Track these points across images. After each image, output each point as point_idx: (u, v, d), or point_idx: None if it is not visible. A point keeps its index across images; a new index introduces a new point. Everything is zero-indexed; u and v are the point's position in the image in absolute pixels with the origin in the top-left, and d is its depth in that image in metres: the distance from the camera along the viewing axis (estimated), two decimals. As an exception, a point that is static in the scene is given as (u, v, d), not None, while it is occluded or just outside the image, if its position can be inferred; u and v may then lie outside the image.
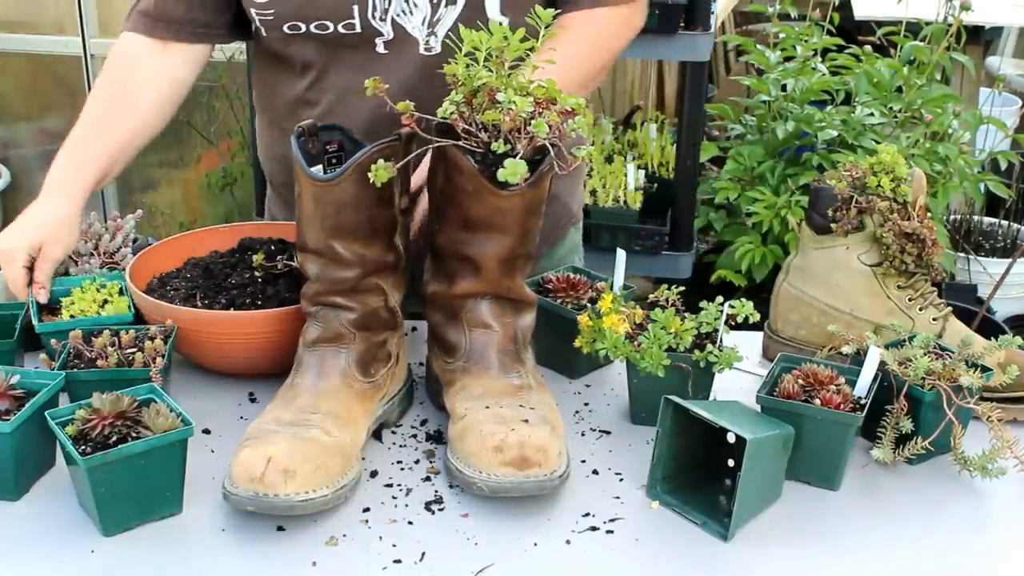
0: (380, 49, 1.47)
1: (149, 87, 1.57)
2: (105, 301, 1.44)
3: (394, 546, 1.14)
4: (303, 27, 1.47)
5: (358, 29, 1.46)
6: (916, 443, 1.24)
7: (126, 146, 1.57)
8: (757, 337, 1.56)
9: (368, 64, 1.46)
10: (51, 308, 1.44)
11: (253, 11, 1.49)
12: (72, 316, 1.40)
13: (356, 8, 1.44)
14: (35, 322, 1.39)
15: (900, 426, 1.25)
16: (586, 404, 1.42)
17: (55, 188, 1.50)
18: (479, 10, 1.44)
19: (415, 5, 1.44)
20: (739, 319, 1.32)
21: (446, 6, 1.44)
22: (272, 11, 1.47)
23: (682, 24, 2.81)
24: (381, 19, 1.45)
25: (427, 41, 1.46)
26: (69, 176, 1.51)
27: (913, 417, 1.25)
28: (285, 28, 1.48)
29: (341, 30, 1.46)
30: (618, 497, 1.22)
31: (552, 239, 1.71)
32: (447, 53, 1.38)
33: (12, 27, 3.58)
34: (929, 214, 1.44)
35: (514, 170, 1.17)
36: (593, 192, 3.14)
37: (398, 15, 1.45)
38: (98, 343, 1.30)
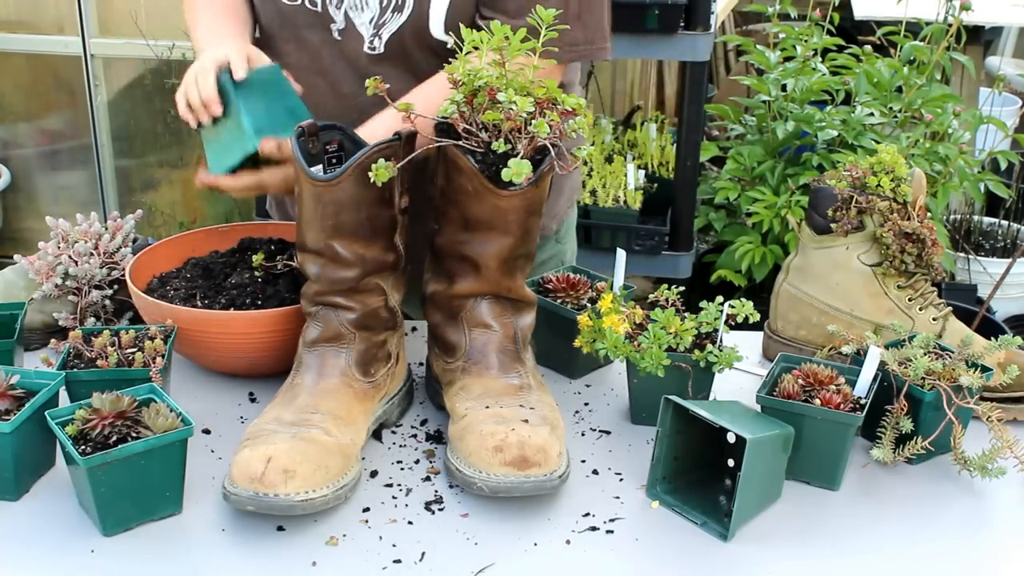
0: (335, 36, 1.49)
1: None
2: None
3: (394, 546, 1.14)
4: None
5: (318, 8, 1.48)
6: (916, 443, 1.24)
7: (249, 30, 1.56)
8: (757, 337, 1.56)
9: (324, 47, 1.50)
10: None
11: None
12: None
13: None
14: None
15: (900, 426, 1.25)
16: (586, 404, 1.42)
17: (215, 39, 1.46)
18: (423, 24, 1.45)
19: (366, 3, 1.45)
20: (739, 319, 1.32)
21: (392, 12, 1.45)
22: None
23: (682, 24, 2.82)
24: (336, 7, 1.47)
25: (371, 41, 1.48)
26: (224, 30, 1.50)
27: (913, 417, 1.25)
28: None
29: (307, 4, 1.48)
30: (618, 497, 1.22)
31: None
32: (389, 57, 1.46)
33: (12, 27, 3.58)
34: (929, 214, 1.44)
35: (519, 170, 1.17)
36: (593, 192, 3.14)
37: (351, 8, 1.46)
38: (98, 343, 1.30)
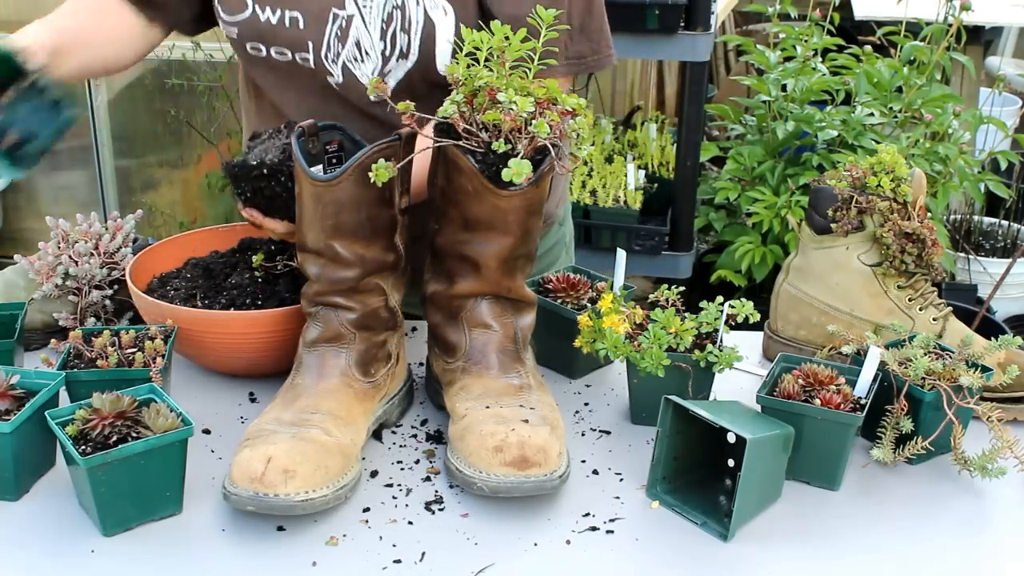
0: (335, 87, 1.49)
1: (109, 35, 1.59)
2: None
3: (394, 546, 1.14)
4: (264, 50, 1.48)
5: (311, 65, 1.47)
6: (916, 443, 1.24)
7: (72, 49, 1.62)
8: (757, 337, 1.56)
9: (324, 92, 1.49)
10: None
11: (221, 24, 1.51)
12: None
13: (311, 44, 1.45)
14: None
15: (900, 426, 1.25)
16: (586, 404, 1.42)
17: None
18: (430, 64, 1.44)
19: (366, 54, 1.44)
20: (739, 319, 1.32)
21: (397, 60, 1.45)
22: (236, 29, 1.48)
23: (682, 24, 2.82)
24: (333, 61, 1.46)
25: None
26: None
27: (913, 417, 1.25)
28: (248, 48, 1.50)
29: (298, 60, 1.47)
30: (618, 497, 1.22)
31: None
32: (395, 99, 1.42)
33: (12, 27, 3.57)
34: (929, 214, 1.44)
35: (519, 170, 1.17)
36: (593, 192, 3.14)
37: (349, 61, 1.46)
38: (98, 343, 1.30)
